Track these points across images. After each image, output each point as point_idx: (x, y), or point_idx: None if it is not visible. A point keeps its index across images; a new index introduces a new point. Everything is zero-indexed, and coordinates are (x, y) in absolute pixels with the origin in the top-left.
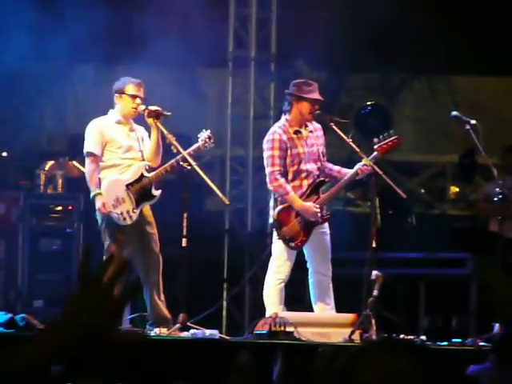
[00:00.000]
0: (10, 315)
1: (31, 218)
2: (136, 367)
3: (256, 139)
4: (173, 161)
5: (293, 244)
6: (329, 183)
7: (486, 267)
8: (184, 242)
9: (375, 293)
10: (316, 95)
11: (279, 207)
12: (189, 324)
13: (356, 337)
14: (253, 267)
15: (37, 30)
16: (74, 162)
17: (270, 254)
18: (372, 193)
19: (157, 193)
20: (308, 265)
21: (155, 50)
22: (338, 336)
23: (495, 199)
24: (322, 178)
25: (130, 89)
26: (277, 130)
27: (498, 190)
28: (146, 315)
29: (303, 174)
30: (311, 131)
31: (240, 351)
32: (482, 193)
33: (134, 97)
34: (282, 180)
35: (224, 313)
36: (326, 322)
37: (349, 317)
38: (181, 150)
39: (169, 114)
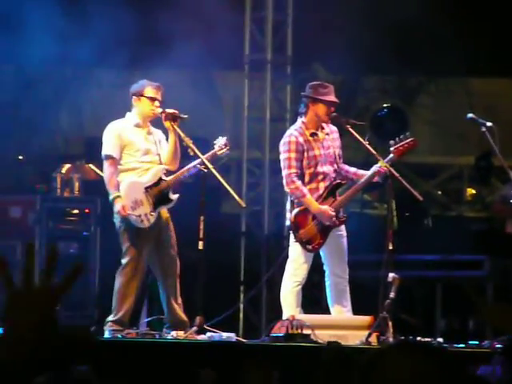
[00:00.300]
0: None
1: (48, 222)
2: (153, 370)
3: (272, 142)
4: (190, 165)
5: (310, 246)
6: (345, 185)
7: (503, 269)
8: (201, 245)
9: (392, 295)
10: (332, 97)
11: (296, 210)
12: (205, 327)
13: (373, 339)
14: (269, 270)
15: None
16: (91, 165)
17: (286, 257)
18: (388, 195)
19: (174, 197)
20: (325, 267)
21: (172, 54)
22: (355, 338)
23: None
24: (339, 181)
25: (149, 91)
26: (293, 133)
27: None
28: (163, 318)
29: (320, 177)
30: (327, 133)
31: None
32: (498, 195)
33: (152, 99)
34: (299, 182)
35: (241, 315)
36: (342, 325)
37: (366, 319)
38: (198, 153)
39: (185, 116)
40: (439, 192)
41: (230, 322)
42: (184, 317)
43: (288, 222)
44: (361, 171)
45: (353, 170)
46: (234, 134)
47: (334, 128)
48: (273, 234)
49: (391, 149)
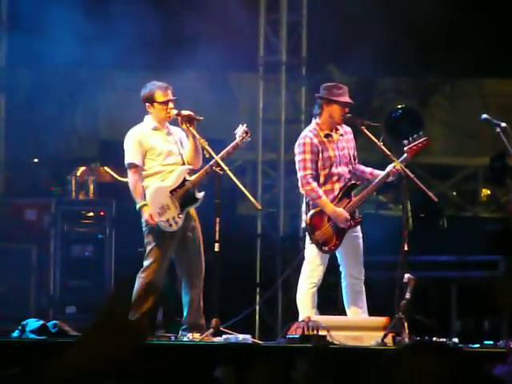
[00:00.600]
0: (42, 322)
1: (63, 225)
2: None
3: (287, 143)
4: (207, 166)
5: (326, 248)
6: (360, 186)
7: None
8: (216, 247)
9: (407, 296)
10: (346, 98)
11: (312, 211)
12: (221, 329)
13: (389, 340)
14: (285, 271)
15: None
16: (106, 168)
17: (302, 259)
18: (404, 196)
19: (200, 195)
20: (341, 268)
21: (187, 56)
22: (371, 339)
23: None
24: (354, 182)
25: (159, 96)
26: (308, 134)
27: None
28: (182, 320)
29: (335, 178)
30: (342, 134)
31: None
32: None
33: (165, 103)
34: (315, 184)
35: (257, 317)
36: (358, 326)
37: (381, 320)
38: (213, 154)
39: (201, 118)
40: (454, 193)
41: (246, 323)
42: (203, 320)
43: (304, 224)
44: (377, 171)
45: (369, 170)
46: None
47: (349, 129)
48: (288, 235)
49: (405, 148)
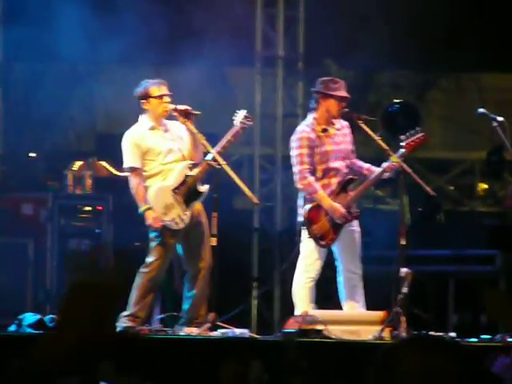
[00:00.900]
0: (38, 316)
1: (60, 219)
2: (166, 367)
3: (284, 138)
4: (206, 161)
5: (323, 242)
6: (357, 181)
7: None
8: (213, 241)
9: (404, 290)
10: (343, 93)
11: (309, 206)
12: (218, 323)
13: (386, 334)
14: (282, 265)
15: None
16: (103, 162)
17: (299, 253)
18: (401, 191)
19: (204, 188)
20: (337, 263)
21: (184, 51)
22: (368, 334)
23: None
24: (351, 176)
25: (155, 90)
26: (304, 129)
27: None
28: (181, 314)
29: (332, 172)
30: (338, 129)
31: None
32: (510, 189)
33: (160, 97)
34: (312, 178)
35: (254, 312)
36: (355, 320)
37: (378, 314)
38: (210, 149)
39: (198, 113)
40: (451, 187)
41: (242, 318)
42: (203, 313)
43: (301, 218)
44: (374, 167)
45: (366, 165)
46: (246, 130)
47: (345, 123)
48: (285, 230)
49: (402, 144)
